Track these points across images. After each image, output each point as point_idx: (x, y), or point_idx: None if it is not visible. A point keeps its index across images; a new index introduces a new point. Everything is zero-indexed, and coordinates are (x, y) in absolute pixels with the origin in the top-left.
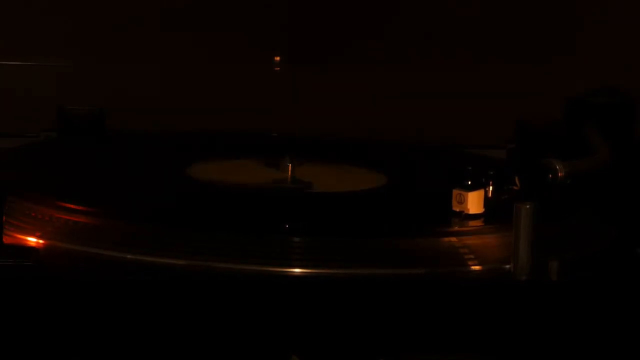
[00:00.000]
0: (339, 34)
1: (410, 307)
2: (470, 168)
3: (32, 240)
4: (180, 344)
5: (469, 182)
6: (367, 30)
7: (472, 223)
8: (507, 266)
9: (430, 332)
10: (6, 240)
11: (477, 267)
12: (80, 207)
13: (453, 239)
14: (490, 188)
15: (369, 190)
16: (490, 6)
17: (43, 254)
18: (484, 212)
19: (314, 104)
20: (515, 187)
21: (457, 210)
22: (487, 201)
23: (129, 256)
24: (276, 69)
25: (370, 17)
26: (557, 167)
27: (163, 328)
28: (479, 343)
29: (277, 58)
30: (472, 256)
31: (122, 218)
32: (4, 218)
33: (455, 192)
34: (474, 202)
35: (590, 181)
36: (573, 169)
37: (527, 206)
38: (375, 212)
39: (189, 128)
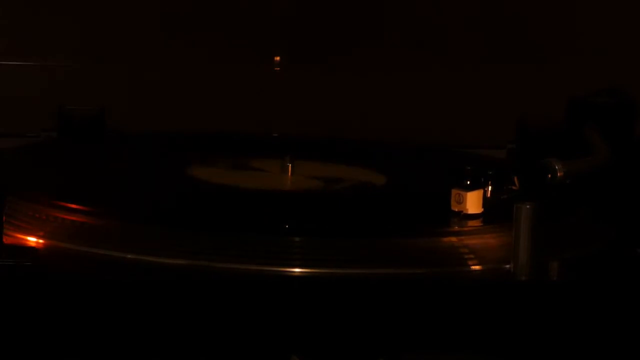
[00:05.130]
0: (339, 34)
1: (410, 307)
2: (469, 168)
3: (32, 240)
4: (180, 344)
5: (468, 182)
6: (367, 30)
7: (472, 223)
8: (507, 266)
9: (430, 332)
10: (6, 240)
11: (477, 267)
12: (80, 207)
13: (453, 239)
14: (489, 188)
15: (369, 190)
16: (491, 6)
17: (43, 254)
18: (482, 212)
19: (314, 104)
20: (514, 187)
21: (456, 210)
22: (486, 201)
23: (129, 256)
24: (276, 69)
25: (370, 17)
26: (557, 167)
27: (163, 328)
28: (479, 343)
29: (277, 58)
30: (472, 256)
31: (122, 218)
32: (4, 218)
33: (454, 192)
34: (473, 202)
35: (590, 181)
36: (572, 169)
37: (527, 206)
38: (375, 212)
39: (189, 128)
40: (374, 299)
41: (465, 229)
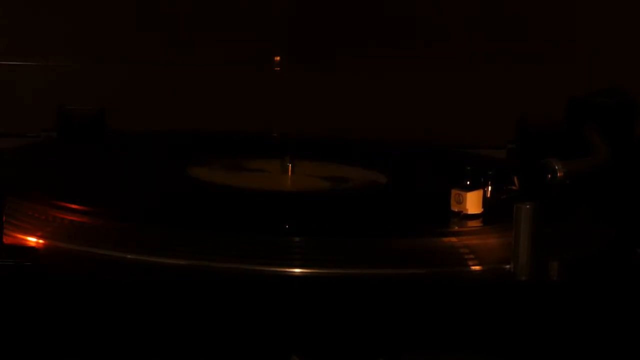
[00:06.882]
0: (339, 34)
1: (410, 307)
2: (469, 168)
3: (32, 240)
4: (180, 344)
5: (468, 182)
6: (367, 30)
7: (472, 223)
8: (507, 266)
9: (430, 332)
10: (6, 240)
11: (477, 267)
12: (80, 207)
13: (453, 239)
14: (489, 188)
15: (369, 190)
16: (491, 6)
17: (43, 254)
18: (482, 212)
19: (314, 104)
20: (514, 187)
21: (456, 210)
22: (486, 201)
23: (129, 256)
24: (276, 69)
25: (370, 17)
26: (557, 167)
27: (163, 328)
28: (479, 343)
29: (277, 58)
30: (472, 256)
31: (122, 218)
32: (4, 218)
33: (454, 192)
34: (473, 202)
35: (590, 181)
36: (572, 169)
37: (527, 206)
38: (375, 212)
39: (188, 128)
40: (374, 299)
41: (465, 229)
